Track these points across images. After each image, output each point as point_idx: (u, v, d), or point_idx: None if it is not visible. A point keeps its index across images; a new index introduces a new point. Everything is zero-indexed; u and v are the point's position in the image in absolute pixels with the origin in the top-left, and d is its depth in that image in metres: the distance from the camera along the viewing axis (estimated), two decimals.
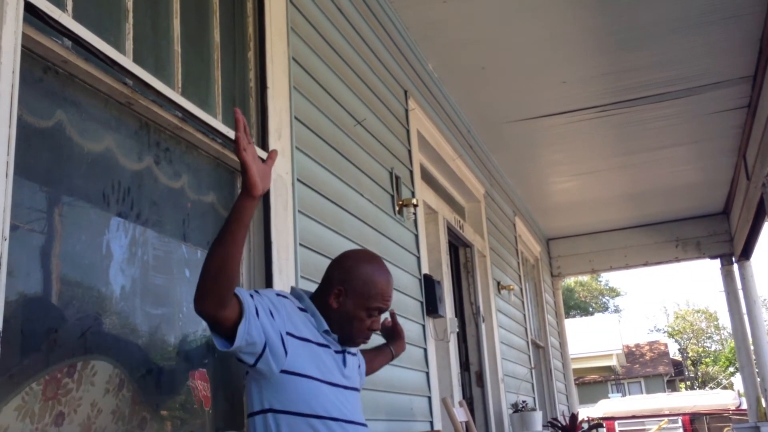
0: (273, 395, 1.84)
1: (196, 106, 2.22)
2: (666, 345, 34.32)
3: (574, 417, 6.45)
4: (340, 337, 2.02)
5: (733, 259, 8.91)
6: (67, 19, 1.72)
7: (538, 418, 5.63)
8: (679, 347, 39.01)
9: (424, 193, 4.55)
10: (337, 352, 2.01)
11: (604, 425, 13.69)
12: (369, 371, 2.39)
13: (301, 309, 1.98)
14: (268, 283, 2.45)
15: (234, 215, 1.67)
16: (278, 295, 1.93)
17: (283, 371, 1.83)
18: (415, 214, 4.07)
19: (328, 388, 1.88)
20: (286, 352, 1.83)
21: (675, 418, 14.54)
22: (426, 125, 4.66)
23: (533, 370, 7.26)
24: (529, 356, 7.23)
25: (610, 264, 9.61)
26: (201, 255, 2.32)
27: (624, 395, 26.53)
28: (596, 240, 9.55)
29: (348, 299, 2.00)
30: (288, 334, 1.85)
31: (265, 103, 2.63)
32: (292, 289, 2.12)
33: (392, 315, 2.53)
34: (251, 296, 1.81)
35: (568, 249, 9.76)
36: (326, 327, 1.97)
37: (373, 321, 2.03)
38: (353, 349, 2.14)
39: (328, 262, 2.85)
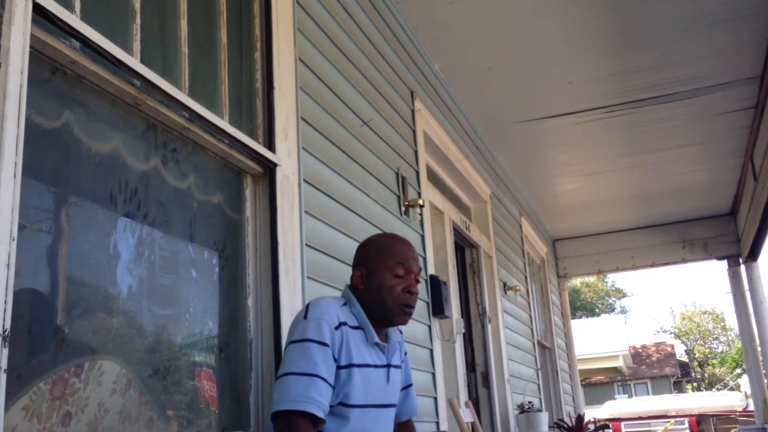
0: None
1: (203, 106, 2.22)
2: (672, 346, 34.21)
3: (580, 418, 6.44)
4: (385, 316, 1.96)
5: (740, 260, 8.88)
6: (75, 20, 1.73)
7: (544, 419, 5.62)
8: (685, 348, 38.89)
9: (430, 194, 4.55)
10: (382, 366, 1.99)
11: (611, 426, 13.65)
12: None
13: (354, 327, 1.95)
14: (275, 283, 2.45)
15: None
16: (337, 327, 1.88)
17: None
18: (421, 214, 4.07)
19: (361, 412, 1.88)
20: (333, 388, 1.85)
21: (681, 419, 14.48)
22: (432, 126, 4.66)
23: (539, 371, 7.25)
24: (536, 357, 7.22)
25: (617, 265, 9.59)
26: (207, 255, 2.32)
27: (630, 396, 26.46)
28: (603, 241, 9.53)
29: (371, 274, 1.99)
30: (338, 367, 1.86)
31: (272, 104, 2.63)
32: (346, 292, 2.05)
33: None
34: (321, 371, 1.80)
35: (574, 250, 9.74)
36: (376, 339, 1.95)
37: (405, 283, 1.96)
38: (398, 360, 2.11)
39: (334, 262, 2.87)
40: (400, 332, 2.23)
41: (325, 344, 1.82)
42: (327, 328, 1.85)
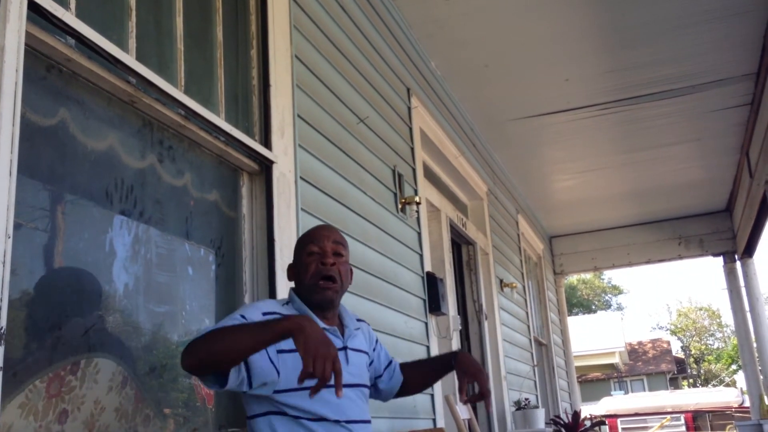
0: (273, 404, 1.85)
1: (199, 104, 2.22)
2: (669, 343, 34.29)
3: (576, 414, 6.44)
4: (310, 296, 1.98)
5: (736, 256, 8.90)
6: (70, 18, 1.72)
7: (540, 415, 5.64)
8: (681, 345, 38.99)
9: (426, 191, 4.55)
10: (339, 350, 2.00)
11: (607, 423, 13.69)
12: (412, 387, 2.34)
13: None
14: (271, 281, 2.45)
15: (265, 334, 1.62)
16: (266, 313, 1.87)
17: (277, 391, 1.83)
18: (417, 211, 4.07)
19: (327, 392, 1.87)
20: (278, 372, 1.82)
21: (678, 415, 14.52)
22: (429, 123, 4.66)
23: (536, 368, 7.26)
24: (532, 354, 7.23)
25: (613, 262, 9.60)
26: (204, 252, 2.32)
27: (627, 393, 26.51)
28: (599, 238, 9.55)
29: (296, 266, 2.04)
30: (279, 351, 1.83)
31: (268, 101, 2.63)
32: (290, 292, 2.07)
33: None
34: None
35: (570, 247, 9.76)
36: (322, 325, 1.96)
37: (317, 260, 1.98)
38: (361, 345, 2.12)
39: None
40: (366, 322, 2.26)
41: (243, 318, 1.81)
42: (254, 310, 1.85)
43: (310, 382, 1.63)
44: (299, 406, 1.84)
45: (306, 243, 2.04)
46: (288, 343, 1.83)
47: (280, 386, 1.83)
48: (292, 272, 2.07)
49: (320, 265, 1.97)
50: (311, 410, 1.84)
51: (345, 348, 2.02)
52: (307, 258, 2.00)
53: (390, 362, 2.30)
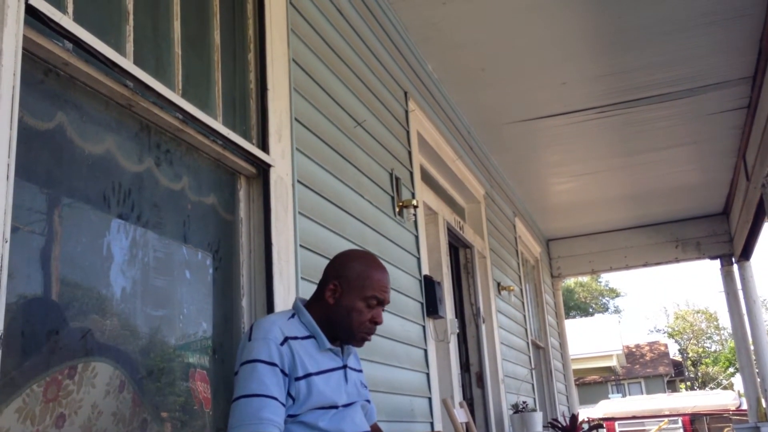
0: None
1: (196, 107, 2.22)
2: (666, 345, 34.33)
3: (574, 417, 6.44)
4: (342, 336, 2.00)
5: (733, 259, 8.91)
6: (67, 22, 1.72)
7: (538, 418, 5.63)
8: (679, 348, 39.02)
9: (424, 194, 4.55)
10: (339, 368, 2.00)
11: (605, 426, 13.68)
12: None
13: (304, 337, 1.95)
14: (269, 285, 2.45)
15: None
16: (282, 342, 1.87)
17: (290, 415, 1.86)
18: (415, 215, 4.07)
19: (332, 412, 1.89)
20: (293, 400, 1.85)
21: (675, 418, 14.53)
22: (426, 126, 4.66)
23: (533, 371, 7.26)
24: (530, 357, 7.23)
25: (610, 265, 9.61)
26: (201, 256, 2.32)
27: (624, 396, 26.54)
28: (596, 241, 9.55)
29: (344, 293, 2.00)
30: (295, 379, 1.86)
31: (266, 105, 2.63)
32: (296, 303, 2.06)
33: None
34: (272, 391, 1.80)
35: (568, 250, 9.76)
36: (328, 346, 1.96)
37: (373, 313, 2.00)
38: (357, 364, 2.13)
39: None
40: None
41: (273, 363, 1.83)
42: (273, 346, 1.85)
43: (319, 402, 1.79)
44: (310, 428, 1.86)
45: (371, 286, 2.00)
46: (303, 368, 1.87)
47: (294, 411, 1.86)
48: (335, 294, 2.00)
49: (373, 323, 2.00)
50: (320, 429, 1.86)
51: (345, 367, 2.02)
52: (365, 304, 1.99)
53: (368, 401, 2.25)
